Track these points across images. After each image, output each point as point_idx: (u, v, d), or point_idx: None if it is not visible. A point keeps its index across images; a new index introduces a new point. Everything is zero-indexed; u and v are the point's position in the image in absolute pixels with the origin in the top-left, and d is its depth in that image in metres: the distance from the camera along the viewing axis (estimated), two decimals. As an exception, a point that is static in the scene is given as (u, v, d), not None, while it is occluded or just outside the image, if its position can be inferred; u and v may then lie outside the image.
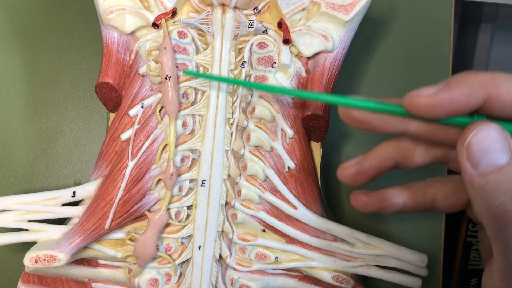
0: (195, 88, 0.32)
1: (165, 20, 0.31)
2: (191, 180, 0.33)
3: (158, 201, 0.32)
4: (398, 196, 0.26)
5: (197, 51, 0.32)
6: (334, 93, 0.32)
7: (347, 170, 0.26)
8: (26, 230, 0.32)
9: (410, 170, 0.27)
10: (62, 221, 0.33)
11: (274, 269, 0.34)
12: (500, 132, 0.21)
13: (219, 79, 0.31)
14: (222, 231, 0.33)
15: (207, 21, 0.32)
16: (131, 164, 0.31)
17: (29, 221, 0.32)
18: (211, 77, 0.32)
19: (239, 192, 0.32)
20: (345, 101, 0.25)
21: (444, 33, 0.39)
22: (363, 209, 0.28)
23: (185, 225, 0.33)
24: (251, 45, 0.32)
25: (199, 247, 0.33)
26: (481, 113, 0.22)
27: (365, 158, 0.26)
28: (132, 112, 0.32)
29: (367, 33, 0.38)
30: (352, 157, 0.27)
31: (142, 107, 0.32)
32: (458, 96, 0.21)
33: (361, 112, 0.24)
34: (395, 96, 0.38)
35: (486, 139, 0.20)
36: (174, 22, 0.32)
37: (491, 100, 0.21)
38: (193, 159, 0.33)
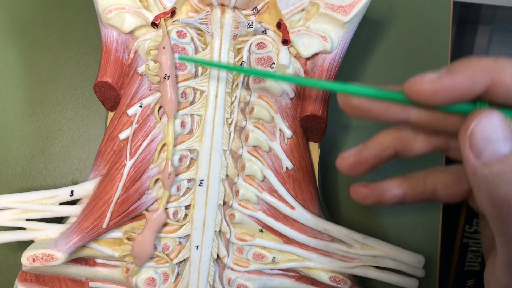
0: (193, 88, 0.32)
1: (164, 19, 0.31)
2: (189, 180, 0.33)
3: (156, 200, 0.32)
4: (398, 188, 0.26)
5: (196, 51, 0.32)
6: (332, 95, 0.33)
7: (346, 160, 0.26)
8: (24, 229, 0.32)
9: (409, 159, 0.26)
10: (59, 220, 0.33)
11: (272, 269, 0.34)
12: (503, 120, 0.20)
13: (216, 65, 0.31)
14: (219, 231, 0.33)
15: (206, 21, 0.32)
16: (129, 163, 0.31)
17: (27, 219, 0.32)
18: (208, 63, 0.31)
19: (237, 192, 0.32)
20: (344, 88, 0.24)
21: (442, 34, 0.39)
22: (363, 201, 0.27)
23: (182, 225, 0.33)
24: (250, 45, 0.32)
25: (197, 246, 0.33)
26: (484, 99, 0.21)
27: (364, 147, 0.26)
28: (130, 111, 0.32)
29: (366, 34, 0.38)
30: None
31: (140, 106, 0.32)
32: (460, 82, 0.21)
33: (361, 100, 0.24)
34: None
35: (488, 127, 0.20)
36: (173, 21, 0.32)
37: (495, 85, 0.20)
38: (191, 158, 0.33)
